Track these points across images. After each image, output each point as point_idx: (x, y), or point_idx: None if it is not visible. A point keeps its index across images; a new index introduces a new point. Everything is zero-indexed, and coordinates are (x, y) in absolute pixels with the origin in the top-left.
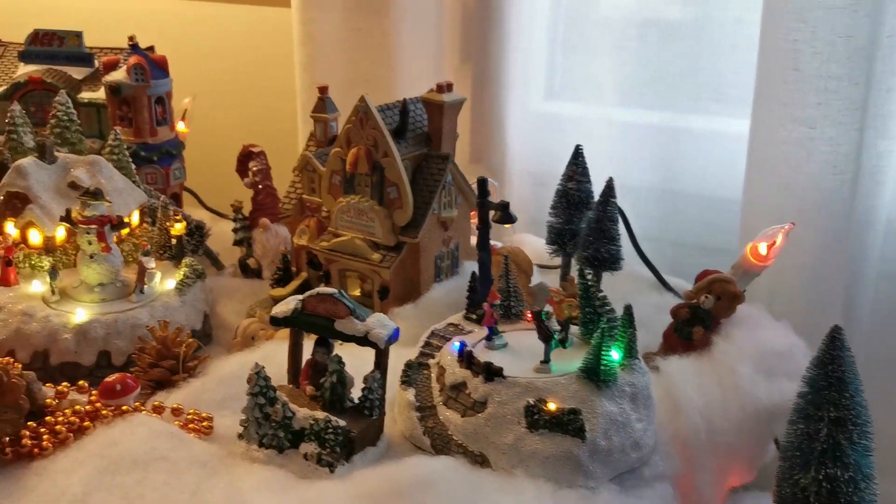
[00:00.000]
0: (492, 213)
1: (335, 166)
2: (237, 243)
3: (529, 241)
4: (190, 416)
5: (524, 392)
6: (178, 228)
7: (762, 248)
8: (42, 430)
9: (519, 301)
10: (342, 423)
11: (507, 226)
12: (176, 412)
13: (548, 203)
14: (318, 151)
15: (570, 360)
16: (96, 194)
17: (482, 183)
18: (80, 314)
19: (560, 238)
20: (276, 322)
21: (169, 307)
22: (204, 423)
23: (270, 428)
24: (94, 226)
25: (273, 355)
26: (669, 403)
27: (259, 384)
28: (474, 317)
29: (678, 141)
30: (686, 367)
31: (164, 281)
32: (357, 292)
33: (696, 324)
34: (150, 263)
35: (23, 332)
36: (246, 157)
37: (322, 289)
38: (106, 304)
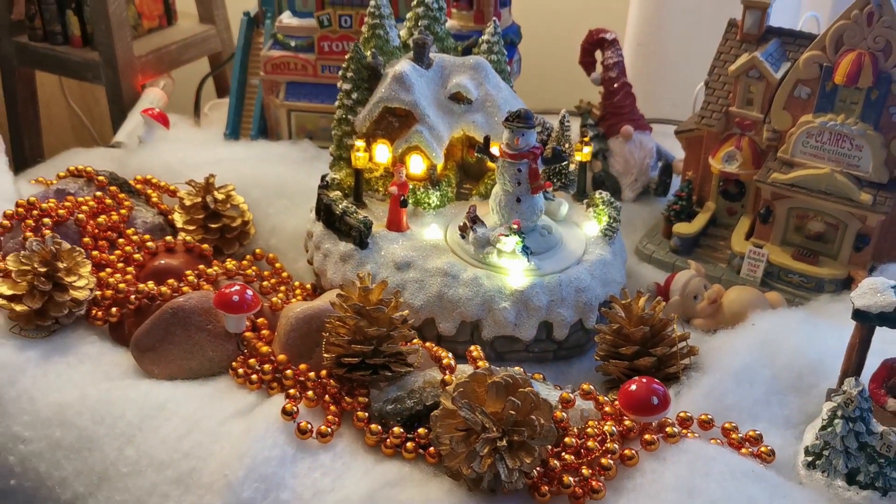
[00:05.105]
0: None
1: (807, 74)
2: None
3: None
4: (735, 436)
5: None
6: (586, 153)
7: None
8: (567, 456)
9: None
10: None
11: None
12: (705, 425)
13: None
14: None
15: None
16: (528, 118)
17: None
18: (516, 275)
19: None
20: (866, 318)
21: (605, 263)
22: (763, 449)
23: (871, 462)
24: (525, 160)
25: (781, 339)
26: None
27: (861, 407)
28: None
29: None
30: None
31: (580, 224)
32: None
33: None
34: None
35: (448, 298)
36: (594, 46)
37: None
38: (534, 261)
